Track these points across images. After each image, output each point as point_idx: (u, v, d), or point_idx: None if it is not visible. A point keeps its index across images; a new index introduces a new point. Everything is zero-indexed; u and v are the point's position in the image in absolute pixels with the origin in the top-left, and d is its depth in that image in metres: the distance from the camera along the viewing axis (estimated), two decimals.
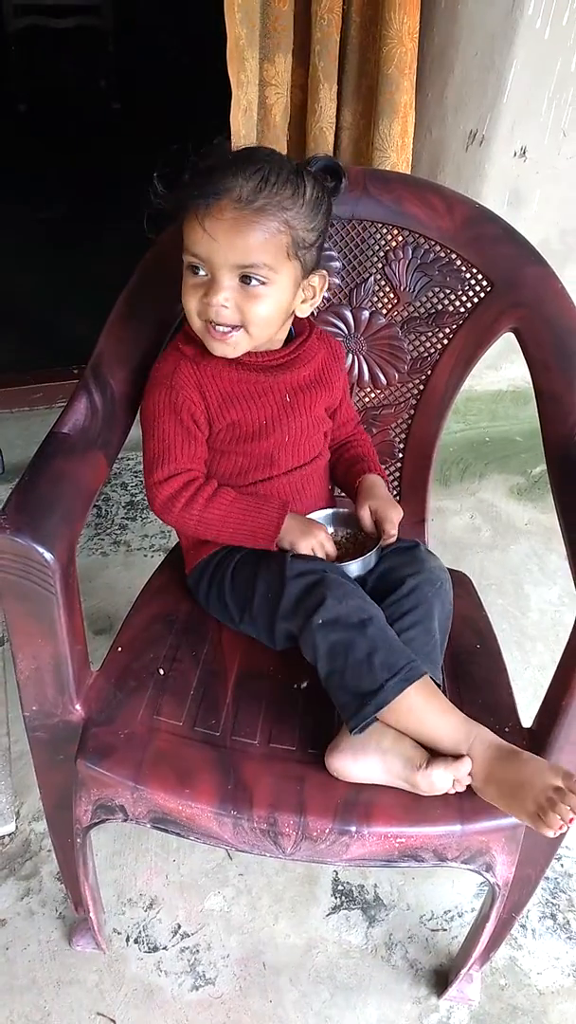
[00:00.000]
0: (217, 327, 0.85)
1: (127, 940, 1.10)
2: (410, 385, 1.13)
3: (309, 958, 1.10)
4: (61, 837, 0.93)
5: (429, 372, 1.11)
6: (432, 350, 1.10)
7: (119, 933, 1.11)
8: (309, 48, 1.34)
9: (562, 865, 1.24)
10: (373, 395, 1.15)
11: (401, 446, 1.17)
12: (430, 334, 1.09)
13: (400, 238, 1.05)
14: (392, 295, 1.09)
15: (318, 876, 1.19)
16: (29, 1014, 1.02)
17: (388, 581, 0.91)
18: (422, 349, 1.10)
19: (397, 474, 1.18)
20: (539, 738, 0.84)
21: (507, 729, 0.86)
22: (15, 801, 1.24)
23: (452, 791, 0.78)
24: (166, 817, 0.82)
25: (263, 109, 1.37)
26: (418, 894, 1.18)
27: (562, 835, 0.75)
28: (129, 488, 1.87)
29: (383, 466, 1.10)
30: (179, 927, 1.12)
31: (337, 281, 1.09)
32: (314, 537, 0.90)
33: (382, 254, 1.06)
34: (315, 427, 0.97)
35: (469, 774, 0.78)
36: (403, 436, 1.16)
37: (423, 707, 0.79)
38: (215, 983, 1.07)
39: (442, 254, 1.04)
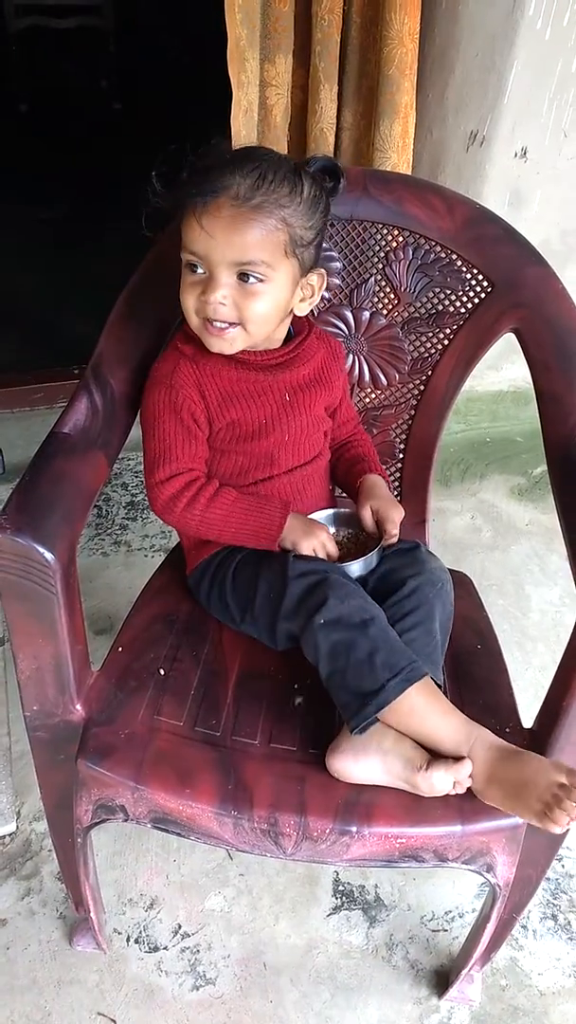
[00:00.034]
0: (215, 323, 0.85)
1: (128, 940, 1.10)
2: (411, 386, 1.13)
3: (310, 958, 1.10)
4: (62, 837, 0.93)
5: (429, 373, 1.11)
6: (433, 351, 1.10)
7: (119, 933, 1.11)
8: (310, 49, 1.34)
9: (563, 866, 1.24)
10: (374, 396, 1.15)
11: (402, 447, 1.17)
12: (431, 335, 1.09)
13: (401, 239, 1.05)
14: (392, 296, 1.09)
15: (319, 876, 1.19)
16: (30, 1014, 1.03)
17: (389, 582, 0.91)
18: (423, 350, 1.10)
19: (398, 475, 1.18)
20: (540, 739, 0.84)
21: (508, 730, 0.86)
22: (16, 801, 1.24)
23: (452, 793, 0.78)
24: (167, 817, 0.82)
25: (264, 110, 1.37)
26: (419, 895, 1.18)
27: (564, 834, 0.75)
28: (130, 488, 1.87)
29: (384, 467, 1.10)
30: (180, 927, 1.12)
31: (337, 282, 1.09)
32: (316, 537, 0.90)
33: (383, 255, 1.06)
34: (315, 426, 0.97)
35: (470, 776, 0.78)
36: (404, 437, 1.16)
37: (424, 708, 0.79)
38: (215, 983, 1.07)
39: (443, 255, 1.04)
